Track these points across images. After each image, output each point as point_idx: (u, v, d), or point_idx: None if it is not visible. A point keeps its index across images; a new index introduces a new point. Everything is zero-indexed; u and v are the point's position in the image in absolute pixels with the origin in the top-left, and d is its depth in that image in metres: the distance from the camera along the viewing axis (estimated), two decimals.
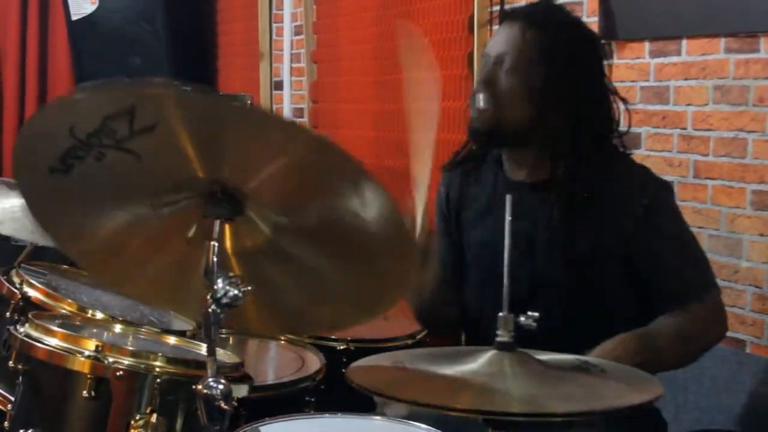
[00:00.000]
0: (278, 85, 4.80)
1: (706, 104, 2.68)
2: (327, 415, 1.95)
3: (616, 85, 2.89)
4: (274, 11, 4.80)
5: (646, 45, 2.85)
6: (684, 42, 2.74)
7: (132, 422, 1.73)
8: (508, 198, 1.59)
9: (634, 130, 2.87)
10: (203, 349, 1.92)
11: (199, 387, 1.48)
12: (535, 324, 1.58)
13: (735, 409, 2.58)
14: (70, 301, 2.20)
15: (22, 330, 1.86)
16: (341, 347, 2.48)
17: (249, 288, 1.47)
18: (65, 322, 2.00)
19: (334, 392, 2.15)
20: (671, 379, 2.66)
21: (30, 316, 1.90)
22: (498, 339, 1.54)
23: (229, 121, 1.32)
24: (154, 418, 1.73)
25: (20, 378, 1.86)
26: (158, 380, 1.75)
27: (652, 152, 2.84)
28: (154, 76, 4.90)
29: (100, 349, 1.75)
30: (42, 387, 1.84)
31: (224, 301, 1.47)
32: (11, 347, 1.87)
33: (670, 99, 2.78)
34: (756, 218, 2.57)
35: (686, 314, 2.00)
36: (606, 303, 2.05)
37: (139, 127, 1.33)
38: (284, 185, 1.42)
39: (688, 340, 2.02)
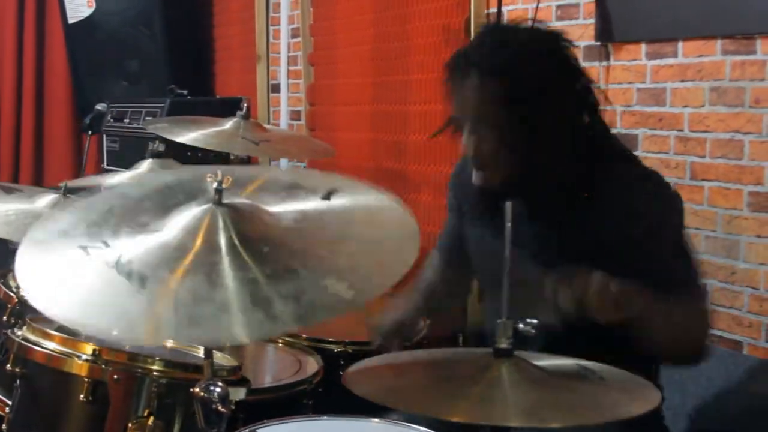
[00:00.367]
0: (275, 88, 4.80)
1: (703, 106, 2.68)
2: (325, 417, 1.95)
3: (613, 87, 2.92)
4: (271, 14, 4.79)
5: (643, 47, 2.85)
6: (680, 44, 2.74)
7: (129, 425, 1.73)
8: (508, 205, 1.58)
9: (631, 131, 2.88)
10: (200, 352, 1.91)
11: (197, 390, 1.48)
12: (533, 331, 1.58)
13: (732, 410, 2.58)
14: None
15: (19, 333, 1.86)
16: (339, 350, 2.48)
17: None
18: (63, 325, 1.99)
19: (332, 395, 2.15)
20: (669, 380, 2.66)
21: (27, 319, 1.90)
22: (496, 345, 1.54)
23: None
24: (151, 421, 1.73)
25: (18, 381, 1.86)
26: (155, 383, 1.74)
27: (649, 154, 2.84)
28: (152, 79, 4.90)
29: (97, 352, 1.75)
30: (39, 390, 1.84)
31: None
32: (8, 351, 1.87)
33: (667, 101, 2.79)
34: (753, 219, 2.57)
35: (676, 302, 1.92)
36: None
37: None
38: None
39: (678, 319, 1.92)
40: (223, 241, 1.42)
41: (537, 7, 3.10)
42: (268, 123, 4.67)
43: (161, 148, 2.90)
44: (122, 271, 1.37)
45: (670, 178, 2.76)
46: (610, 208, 1.98)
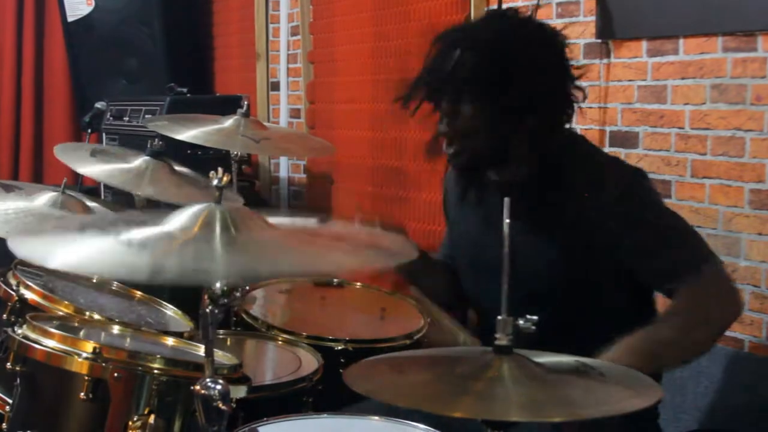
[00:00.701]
0: (275, 86, 4.80)
1: (704, 103, 2.68)
2: (325, 415, 1.95)
3: (614, 84, 2.92)
4: (271, 12, 4.79)
5: (644, 44, 2.85)
6: (681, 41, 2.74)
7: (130, 423, 1.73)
8: (506, 201, 1.58)
9: (632, 129, 2.88)
10: (201, 350, 1.91)
11: (197, 388, 1.48)
12: (534, 327, 1.58)
13: (734, 409, 2.58)
14: (67, 302, 2.19)
15: (19, 331, 1.86)
16: (339, 347, 2.47)
17: (247, 288, 1.47)
18: (63, 323, 1.99)
19: (332, 393, 2.15)
20: (670, 379, 2.66)
21: (27, 317, 1.90)
22: (496, 342, 1.54)
23: None
24: (152, 419, 1.73)
25: (18, 380, 1.85)
26: (156, 381, 1.74)
27: (650, 151, 2.84)
28: (151, 77, 4.90)
29: (97, 350, 1.75)
30: (40, 389, 1.84)
31: (222, 301, 1.47)
32: (9, 349, 1.86)
33: (668, 98, 2.78)
34: (754, 217, 2.57)
35: (687, 295, 1.93)
36: (593, 301, 2.03)
37: None
38: None
39: (700, 321, 1.93)
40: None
41: (537, 4, 3.10)
42: (268, 121, 4.67)
43: (161, 146, 2.89)
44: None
45: (670, 175, 2.77)
46: (582, 204, 2.01)
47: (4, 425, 1.91)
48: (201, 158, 3.61)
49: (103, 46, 5.04)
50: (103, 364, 1.74)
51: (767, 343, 2.57)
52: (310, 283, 3.00)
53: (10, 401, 1.92)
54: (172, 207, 1.51)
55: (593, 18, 2.96)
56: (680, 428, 2.62)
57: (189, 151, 3.41)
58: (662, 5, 2.78)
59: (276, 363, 2.48)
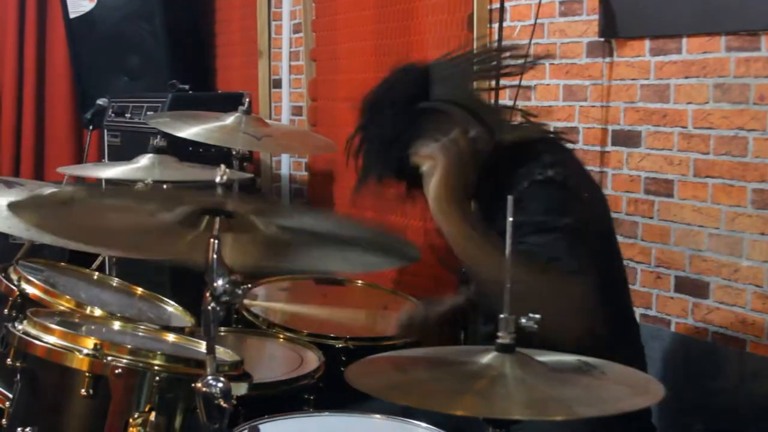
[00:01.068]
0: (277, 84, 4.80)
1: (707, 103, 2.67)
2: (326, 413, 1.95)
3: (617, 83, 2.91)
4: (273, 9, 4.79)
5: (647, 43, 2.84)
6: (684, 40, 2.73)
7: (131, 420, 1.73)
8: (510, 198, 1.58)
9: (635, 128, 2.88)
10: (202, 347, 1.91)
11: (199, 385, 1.48)
12: (536, 326, 1.57)
13: (736, 409, 2.58)
14: (68, 297, 2.19)
15: (20, 327, 1.85)
16: (340, 345, 2.47)
17: (248, 286, 1.47)
18: (64, 319, 1.99)
19: (333, 390, 2.15)
20: (670, 378, 2.66)
21: (28, 313, 1.89)
22: (499, 341, 1.54)
23: None
24: (153, 416, 1.73)
25: (18, 375, 1.85)
26: (157, 378, 1.74)
27: (652, 151, 2.83)
28: (153, 74, 4.89)
29: (98, 346, 1.74)
30: (40, 385, 1.83)
31: (224, 298, 1.46)
32: (9, 344, 1.86)
33: (671, 97, 2.78)
34: (756, 217, 2.57)
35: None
36: None
37: None
38: None
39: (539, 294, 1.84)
40: None
41: (540, 2, 3.09)
42: (270, 118, 4.67)
43: (163, 143, 2.89)
44: None
45: (673, 175, 2.76)
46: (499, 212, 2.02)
47: (4, 421, 1.91)
48: (203, 155, 3.60)
49: (104, 42, 5.03)
50: (104, 361, 1.74)
51: None
52: (312, 280, 3.00)
53: (11, 397, 1.91)
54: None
55: (596, 17, 2.95)
56: (681, 428, 2.62)
57: (191, 149, 3.41)
58: (665, 4, 2.77)
59: (277, 360, 2.48)
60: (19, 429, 1.78)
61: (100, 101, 4.55)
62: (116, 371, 1.73)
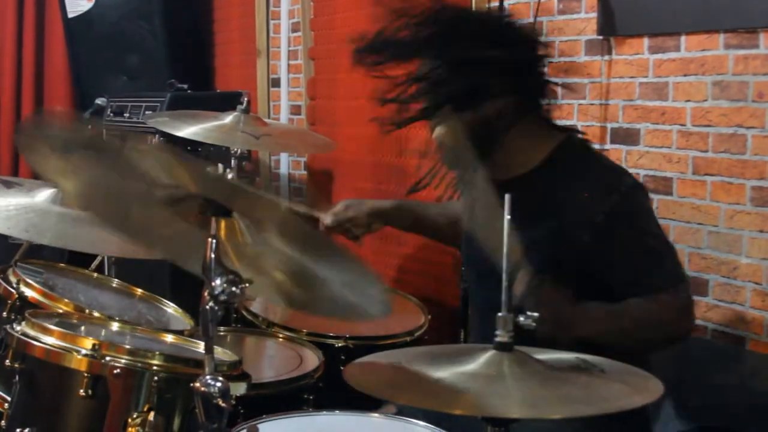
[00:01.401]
0: (275, 83, 4.79)
1: (705, 100, 2.67)
2: (325, 412, 1.95)
3: (615, 81, 2.91)
4: (271, 8, 4.78)
5: (645, 41, 2.84)
6: (683, 38, 2.73)
7: (129, 420, 1.73)
8: (507, 197, 1.58)
9: (633, 126, 2.88)
10: (201, 347, 1.91)
11: (197, 385, 1.48)
12: (534, 324, 1.57)
13: (734, 407, 2.58)
14: (67, 300, 2.19)
15: (18, 328, 1.85)
16: (339, 345, 2.47)
17: (246, 285, 1.47)
18: (62, 320, 1.99)
19: (333, 390, 2.15)
20: (670, 377, 2.65)
21: (27, 314, 1.89)
22: (497, 339, 1.53)
23: None
24: (151, 416, 1.72)
25: (17, 377, 1.85)
26: (156, 378, 1.74)
27: (651, 148, 2.83)
28: (151, 73, 4.89)
29: (97, 347, 1.74)
30: (39, 385, 1.83)
31: (222, 298, 1.46)
32: (8, 346, 1.86)
33: (669, 95, 2.78)
34: (756, 214, 2.56)
35: (655, 301, 1.99)
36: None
37: None
38: None
39: (656, 324, 2.00)
40: None
41: (539, 1, 3.09)
42: (269, 117, 4.67)
43: (161, 142, 2.89)
44: None
45: (672, 172, 2.76)
46: (568, 217, 2.02)
47: (3, 422, 1.90)
48: (201, 155, 3.60)
49: (103, 42, 5.03)
50: (103, 361, 1.74)
51: None
52: None
53: (9, 398, 1.91)
54: None
55: (595, 14, 2.95)
56: (681, 426, 2.62)
57: (189, 148, 3.41)
58: (664, 2, 2.77)
59: (276, 360, 2.48)
60: (18, 430, 1.78)
61: (99, 101, 4.55)
62: (115, 371, 1.73)
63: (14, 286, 2.20)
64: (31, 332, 1.82)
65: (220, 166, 2.65)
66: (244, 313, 2.65)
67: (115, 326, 2.10)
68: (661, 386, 1.50)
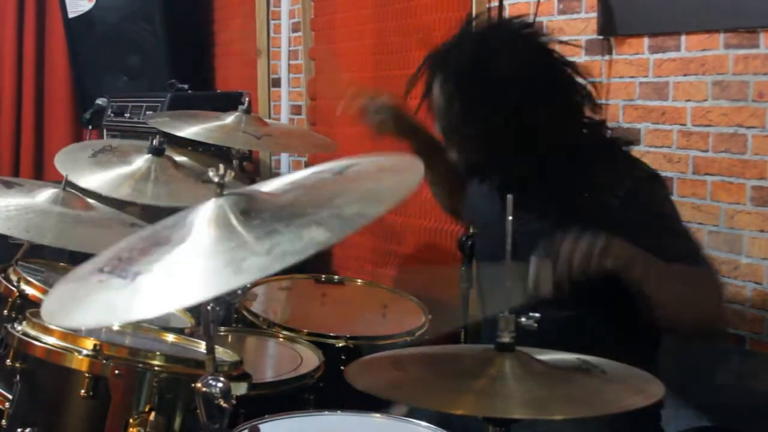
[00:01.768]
0: (276, 83, 4.79)
1: (706, 100, 2.67)
2: (326, 412, 1.95)
3: (615, 81, 2.91)
4: (272, 8, 4.78)
5: (645, 40, 2.84)
6: (683, 37, 2.73)
7: (130, 420, 1.73)
8: (509, 198, 1.58)
9: (634, 126, 2.88)
10: (202, 347, 1.91)
11: (198, 385, 1.48)
12: (536, 325, 1.58)
13: (734, 406, 2.58)
14: None
15: (19, 328, 1.85)
16: (340, 344, 2.47)
17: (248, 285, 1.47)
18: None
19: (333, 390, 2.15)
20: (670, 377, 2.65)
21: (27, 314, 1.89)
22: (499, 339, 1.53)
23: None
24: (152, 416, 1.73)
25: (18, 376, 1.85)
26: (157, 378, 1.74)
27: (652, 148, 2.83)
28: (152, 73, 4.89)
29: (98, 347, 1.74)
30: (40, 385, 1.83)
31: (223, 298, 1.46)
32: (9, 345, 1.86)
33: (669, 95, 2.78)
34: (756, 214, 2.57)
35: (681, 269, 1.93)
36: (596, 299, 2.02)
37: None
38: None
39: (694, 289, 1.92)
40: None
41: (539, 0, 3.09)
42: (269, 117, 4.67)
43: (163, 143, 2.88)
44: None
45: (672, 172, 2.76)
46: (590, 203, 2.02)
47: (3, 422, 1.91)
48: (202, 155, 3.60)
49: (104, 42, 5.03)
50: (104, 361, 1.74)
51: None
52: (312, 280, 3.00)
53: (11, 398, 1.91)
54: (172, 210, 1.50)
55: (595, 14, 2.95)
56: (681, 426, 2.62)
57: (190, 148, 3.41)
58: (664, 1, 2.77)
59: (277, 360, 2.48)
60: (19, 430, 1.78)
61: (100, 101, 4.56)
62: (116, 372, 1.73)
63: (15, 284, 2.20)
64: (32, 332, 1.83)
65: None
66: (245, 313, 2.65)
67: (115, 326, 2.10)
68: (662, 387, 1.50)
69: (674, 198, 2.75)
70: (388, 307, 2.82)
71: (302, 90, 4.59)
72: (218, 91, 5.11)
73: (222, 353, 1.90)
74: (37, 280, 2.24)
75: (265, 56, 4.80)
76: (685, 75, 2.73)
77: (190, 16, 5.18)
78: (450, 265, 3.32)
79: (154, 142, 2.82)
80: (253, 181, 4.54)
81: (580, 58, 3.01)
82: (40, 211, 2.42)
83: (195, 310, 2.25)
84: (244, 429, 1.76)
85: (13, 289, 2.19)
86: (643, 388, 1.51)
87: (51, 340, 1.79)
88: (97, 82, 5.03)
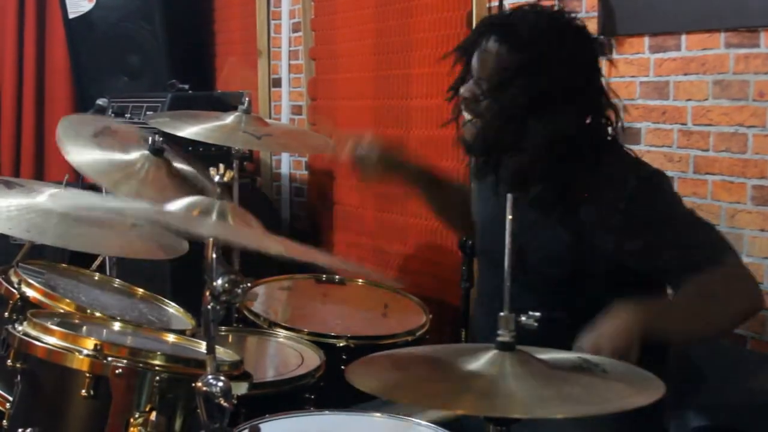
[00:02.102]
0: (276, 83, 4.79)
1: (706, 99, 2.67)
2: (327, 412, 1.95)
3: (616, 80, 2.91)
4: (272, 8, 4.78)
5: (646, 40, 2.84)
6: (684, 37, 2.73)
7: (131, 420, 1.73)
8: (509, 197, 1.58)
9: (634, 125, 2.88)
10: (202, 346, 1.91)
11: (199, 385, 1.48)
12: (536, 324, 1.57)
13: (735, 406, 2.58)
14: (68, 300, 2.19)
15: (20, 328, 1.85)
16: (341, 344, 2.47)
17: (248, 284, 1.47)
18: (64, 320, 1.99)
19: (334, 389, 2.15)
20: (670, 375, 2.65)
21: (28, 314, 1.89)
22: (499, 339, 1.53)
23: None
24: (153, 416, 1.73)
25: (19, 377, 1.85)
26: (157, 378, 1.74)
27: (652, 147, 2.83)
28: (152, 73, 4.89)
29: (99, 347, 1.74)
30: (41, 386, 1.83)
31: (223, 297, 1.46)
32: (10, 346, 1.86)
33: (670, 94, 2.78)
34: (756, 213, 2.57)
35: (704, 276, 1.91)
36: (600, 297, 2.02)
37: None
38: None
39: (715, 298, 1.91)
40: None
41: (539, 0, 3.08)
42: (270, 117, 4.67)
43: (162, 143, 2.88)
44: None
45: (673, 172, 2.76)
46: (594, 205, 2.01)
47: (5, 422, 1.90)
48: (202, 155, 3.60)
49: (104, 43, 5.03)
50: (104, 361, 1.74)
51: None
52: (312, 279, 3.01)
53: (11, 398, 1.91)
54: None
55: (595, 14, 2.95)
56: (681, 425, 2.61)
57: (190, 148, 3.41)
58: (664, 1, 2.77)
59: (278, 360, 2.48)
60: (20, 430, 1.78)
61: (100, 101, 4.54)
62: (116, 371, 1.73)
63: (16, 286, 2.20)
64: (33, 332, 1.82)
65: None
66: (246, 312, 2.65)
67: (116, 326, 2.10)
68: (663, 386, 1.50)
69: None
70: (389, 307, 2.82)
71: (303, 90, 4.59)
72: (218, 91, 5.11)
73: (222, 353, 1.90)
74: (38, 282, 2.23)
75: (266, 56, 4.80)
76: (685, 74, 2.73)
77: (190, 15, 5.18)
78: (451, 265, 3.33)
79: (155, 142, 2.81)
80: (253, 181, 4.55)
81: None
82: (41, 211, 2.42)
83: (196, 310, 2.25)
84: (245, 428, 1.76)
85: (14, 291, 2.19)
86: (643, 386, 1.51)
87: (52, 340, 1.79)
88: (97, 82, 5.03)
